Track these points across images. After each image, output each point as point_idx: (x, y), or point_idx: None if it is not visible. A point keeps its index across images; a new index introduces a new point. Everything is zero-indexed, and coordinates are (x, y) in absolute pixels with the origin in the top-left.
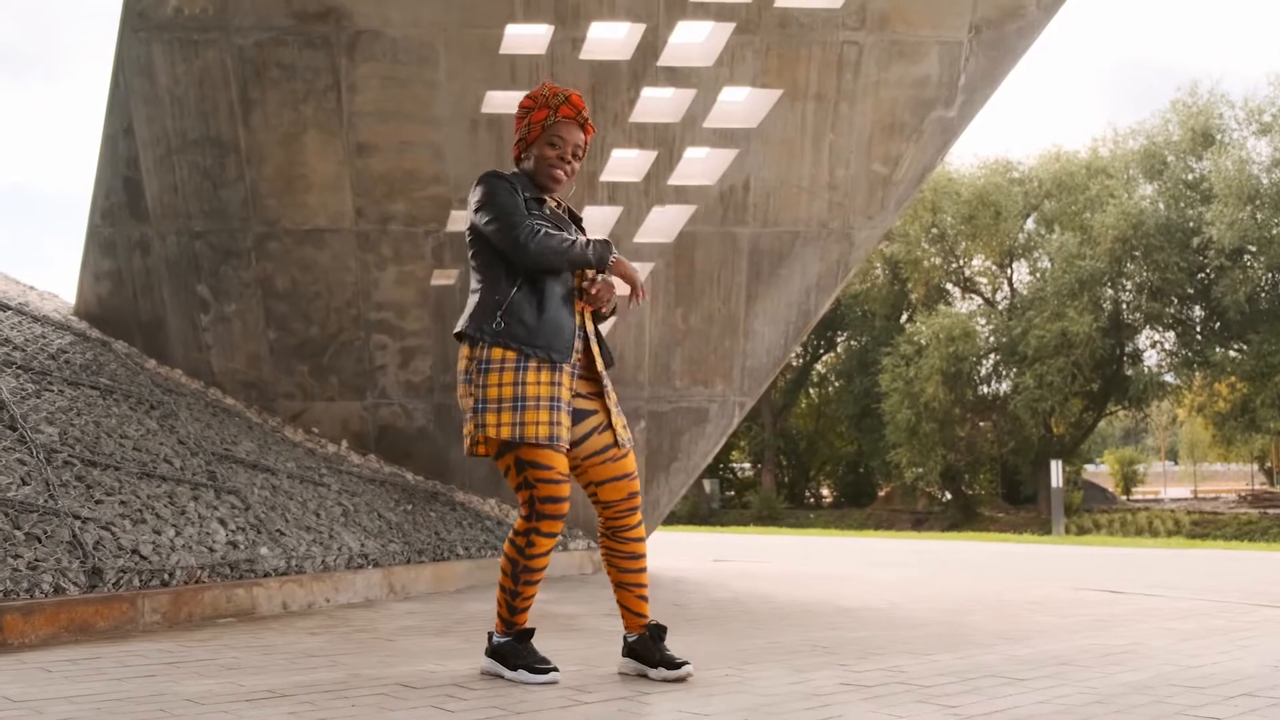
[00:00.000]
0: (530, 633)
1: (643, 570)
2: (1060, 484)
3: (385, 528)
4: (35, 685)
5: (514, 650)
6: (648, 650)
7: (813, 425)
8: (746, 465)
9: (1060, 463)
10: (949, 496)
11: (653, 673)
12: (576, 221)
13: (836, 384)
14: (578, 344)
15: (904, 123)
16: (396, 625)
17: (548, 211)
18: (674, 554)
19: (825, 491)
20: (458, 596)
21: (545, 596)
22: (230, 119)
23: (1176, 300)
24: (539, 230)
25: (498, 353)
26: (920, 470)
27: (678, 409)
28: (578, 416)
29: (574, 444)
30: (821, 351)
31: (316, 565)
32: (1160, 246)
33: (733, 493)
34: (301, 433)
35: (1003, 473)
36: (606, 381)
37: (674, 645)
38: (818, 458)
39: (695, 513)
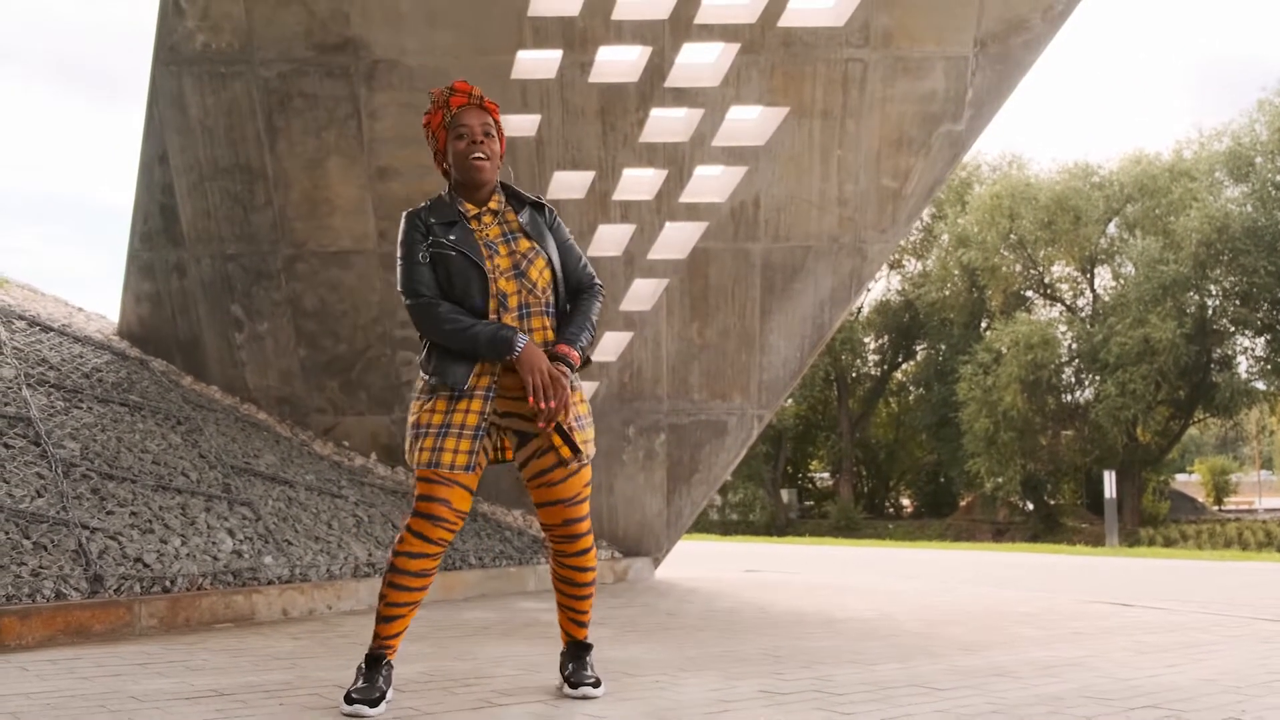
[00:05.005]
0: (376, 659)
1: (581, 598)
2: (1114, 495)
3: None
4: (2, 683)
5: (356, 672)
6: (563, 665)
7: (892, 435)
8: (825, 475)
9: (1113, 473)
10: (1031, 507)
11: (564, 689)
12: (537, 207)
13: (916, 393)
14: (484, 367)
15: (912, 138)
16: None
17: (466, 229)
18: (711, 563)
19: (905, 501)
20: (463, 605)
21: (540, 605)
22: (258, 147)
23: (1266, 305)
24: (430, 310)
25: (420, 381)
26: (999, 480)
27: (696, 422)
28: (523, 439)
29: (521, 466)
30: (900, 360)
31: (321, 574)
32: (1247, 250)
33: (811, 503)
34: (331, 446)
35: (1087, 482)
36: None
37: (640, 651)
38: (897, 467)
39: (773, 523)
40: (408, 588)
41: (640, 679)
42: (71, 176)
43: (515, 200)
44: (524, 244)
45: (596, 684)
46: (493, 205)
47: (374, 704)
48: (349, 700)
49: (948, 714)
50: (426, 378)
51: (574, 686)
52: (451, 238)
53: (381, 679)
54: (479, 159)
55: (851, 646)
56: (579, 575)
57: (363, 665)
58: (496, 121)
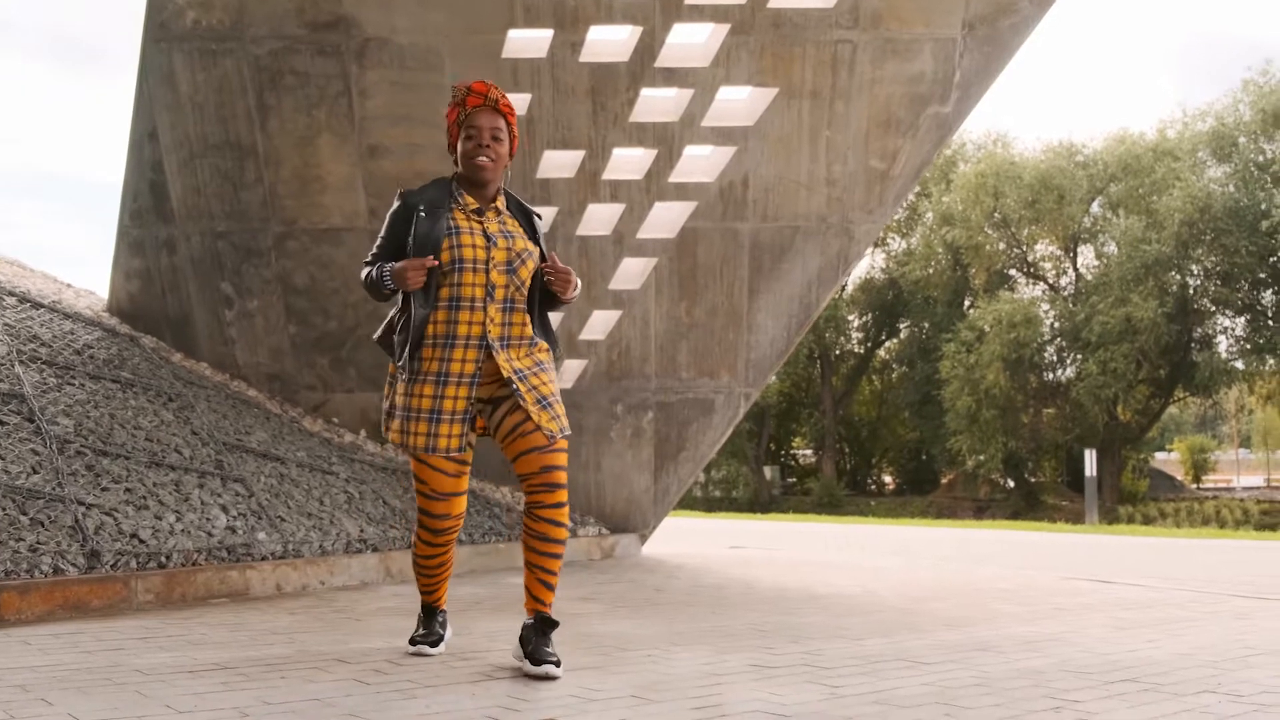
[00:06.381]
0: (430, 610)
1: (552, 556)
2: (1094, 473)
3: (389, 514)
4: (7, 655)
5: (417, 619)
6: (525, 639)
7: (875, 412)
8: (808, 452)
9: (1094, 452)
10: (1012, 484)
11: (523, 665)
12: (527, 217)
13: (899, 370)
14: (469, 354)
15: (900, 119)
16: (375, 606)
17: (447, 218)
18: (697, 540)
19: (887, 478)
20: (453, 580)
21: None
22: (248, 124)
23: (1246, 285)
24: (365, 274)
25: (392, 368)
26: (981, 457)
27: (684, 400)
28: (495, 404)
29: (494, 429)
30: (883, 338)
31: (314, 550)
32: (1229, 230)
33: (794, 480)
34: (321, 423)
35: (1068, 460)
36: (527, 380)
37: (629, 626)
38: (880, 444)
39: (756, 499)
40: (432, 571)
41: (631, 653)
42: (63, 152)
43: (515, 205)
44: (520, 244)
45: (558, 664)
46: (498, 204)
47: (434, 644)
48: (413, 642)
49: (933, 686)
50: (400, 365)
51: (536, 663)
52: (425, 216)
53: (438, 624)
54: (482, 160)
55: (838, 622)
56: (552, 530)
57: (421, 614)
58: (511, 124)
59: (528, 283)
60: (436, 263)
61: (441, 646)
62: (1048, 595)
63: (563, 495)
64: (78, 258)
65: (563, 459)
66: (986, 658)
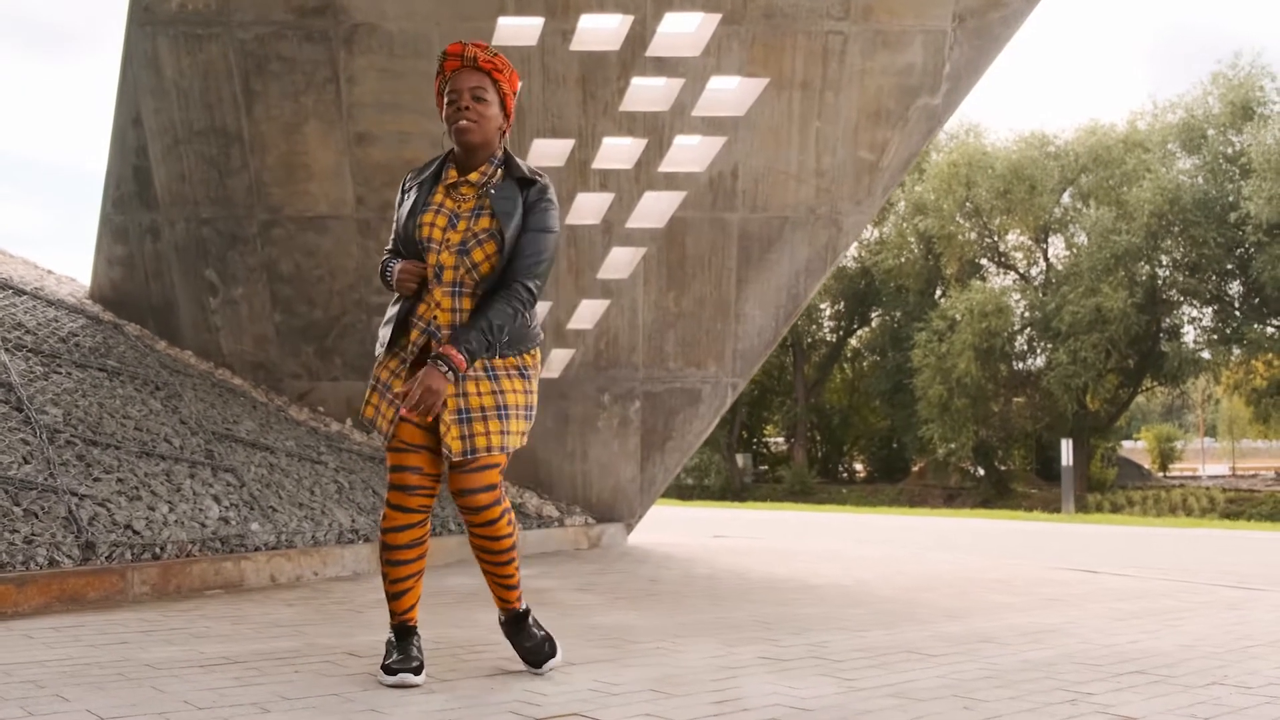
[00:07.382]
0: (404, 630)
1: (502, 563)
2: (1070, 463)
3: (379, 504)
4: (12, 650)
5: (387, 646)
6: (513, 642)
7: (846, 400)
8: (780, 440)
9: (1070, 441)
10: (982, 472)
11: (526, 668)
12: (524, 183)
13: (871, 359)
14: (414, 336)
15: (889, 110)
16: (373, 598)
17: (426, 193)
18: (680, 529)
19: (859, 467)
20: (444, 571)
21: (530, 571)
22: (234, 110)
23: (1214, 276)
24: (382, 263)
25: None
26: (952, 446)
27: (671, 389)
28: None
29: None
30: (855, 327)
31: (306, 540)
32: (1198, 221)
33: (766, 467)
34: (307, 412)
35: (1037, 449)
36: (460, 383)
37: (632, 619)
38: (851, 433)
39: (728, 487)
40: (404, 561)
41: (640, 645)
42: (28, 135)
43: (510, 174)
44: (484, 222)
45: (554, 653)
46: (473, 178)
47: (416, 672)
48: (390, 671)
49: (946, 679)
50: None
51: (537, 665)
52: (407, 200)
53: (415, 648)
54: (461, 124)
55: (836, 613)
56: (491, 544)
57: (392, 639)
58: (499, 81)
59: (481, 266)
60: (425, 267)
61: (424, 675)
62: (1038, 585)
63: (489, 514)
64: (39, 242)
65: (479, 479)
66: (992, 649)
